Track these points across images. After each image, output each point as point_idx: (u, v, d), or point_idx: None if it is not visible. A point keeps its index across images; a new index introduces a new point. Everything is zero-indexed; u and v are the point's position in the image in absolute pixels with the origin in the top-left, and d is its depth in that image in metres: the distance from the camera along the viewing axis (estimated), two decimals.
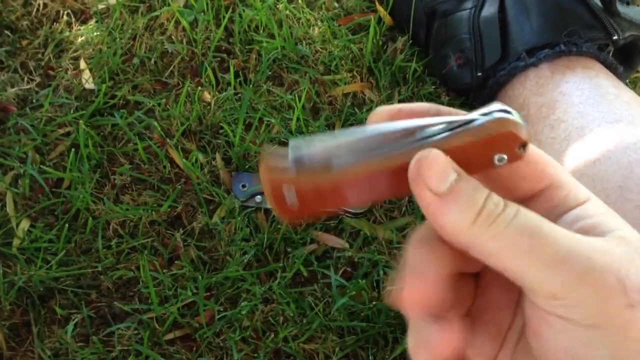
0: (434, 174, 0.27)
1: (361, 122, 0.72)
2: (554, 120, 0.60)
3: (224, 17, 0.77)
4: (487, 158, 0.28)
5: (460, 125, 0.28)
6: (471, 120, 0.28)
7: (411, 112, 0.30)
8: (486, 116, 0.28)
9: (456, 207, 0.27)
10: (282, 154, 0.28)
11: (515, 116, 0.28)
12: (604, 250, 0.27)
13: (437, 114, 0.30)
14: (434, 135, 0.29)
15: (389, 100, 0.74)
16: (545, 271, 0.26)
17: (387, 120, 0.30)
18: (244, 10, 0.78)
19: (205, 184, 0.68)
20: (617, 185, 0.52)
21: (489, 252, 0.27)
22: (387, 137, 0.29)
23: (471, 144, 0.28)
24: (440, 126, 0.29)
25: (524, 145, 0.28)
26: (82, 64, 0.75)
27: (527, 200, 0.31)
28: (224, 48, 0.77)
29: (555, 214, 0.30)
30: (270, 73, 0.75)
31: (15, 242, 0.66)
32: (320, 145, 0.29)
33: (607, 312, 0.26)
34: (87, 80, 0.74)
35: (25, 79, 0.75)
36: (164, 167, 0.70)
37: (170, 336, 0.63)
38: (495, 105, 0.29)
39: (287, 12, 0.78)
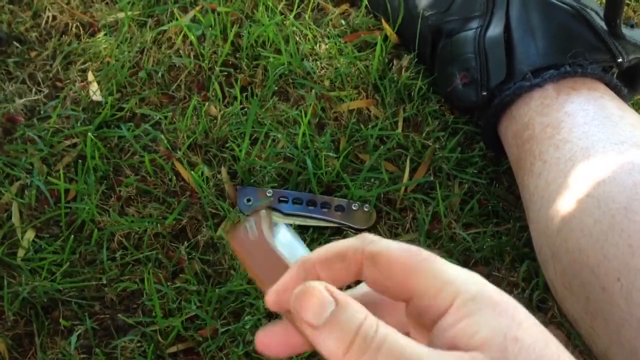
0: (311, 309, 0.29)
1: (366, 138, 0.73)
2: (558, 140, 0.60)
3: (231, 32, 0.78)
4: None
5: None
6: None
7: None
8: None
9: (331, 336, 0.28)
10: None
11: None
12: None
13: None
14: None
15: (394, 117, 0.74)
16: None
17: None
18: (250, 26, 0.78)
19: (210, 197, 0.69)
20: (622, 207, 0.52)
21: None
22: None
23: None
24: None
25: None
26: (90, 76, 0.76)
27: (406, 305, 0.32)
28: (230, 63, 0.78)
29: (426, 321, 0.31)
30: (276, 88, 0.76)
31: (20, 252, 0.66)
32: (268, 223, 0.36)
33: None
34: (95, 93, 0.75)
35: (33, 90, 0.75)
36: (170, 180, 0.70)
37: (173, 349, 0.63)
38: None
39: (294, 28, 0.79)
